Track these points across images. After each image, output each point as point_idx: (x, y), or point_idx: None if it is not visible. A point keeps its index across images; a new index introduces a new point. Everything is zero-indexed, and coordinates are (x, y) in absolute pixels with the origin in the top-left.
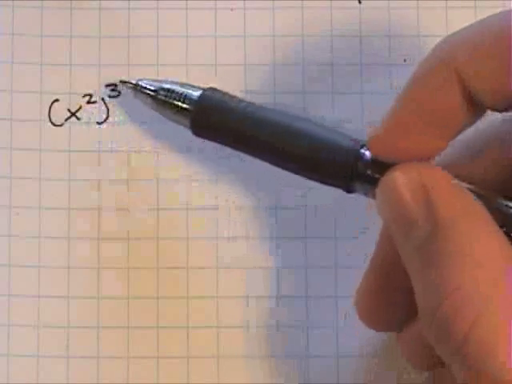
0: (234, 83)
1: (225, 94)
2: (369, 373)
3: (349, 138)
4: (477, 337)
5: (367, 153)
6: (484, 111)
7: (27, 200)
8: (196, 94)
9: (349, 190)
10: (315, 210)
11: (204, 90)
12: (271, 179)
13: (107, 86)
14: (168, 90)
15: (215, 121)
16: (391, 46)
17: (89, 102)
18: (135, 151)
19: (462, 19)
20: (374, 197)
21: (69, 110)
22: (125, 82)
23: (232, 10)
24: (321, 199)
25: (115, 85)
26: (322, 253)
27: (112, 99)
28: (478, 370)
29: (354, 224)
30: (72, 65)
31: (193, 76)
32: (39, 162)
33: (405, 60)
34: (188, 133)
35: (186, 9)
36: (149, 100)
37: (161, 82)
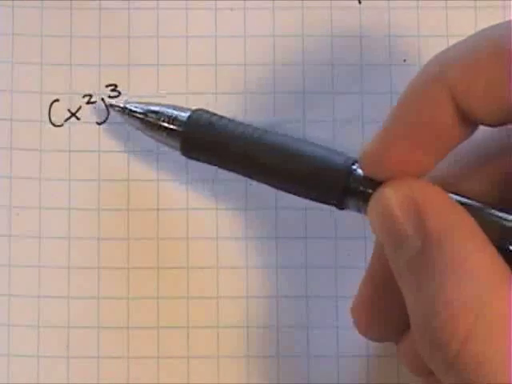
0: (234, 83)
1: (214, 114)
2: (369, 373)
3: (340, 154)
4: (470, 350)
5: (359, 169)
6: (476, 126)
7: (27, 200)
8: (185, 115)
9: (341, 207)
10: (315, 210)
11: (192, 111)
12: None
13: (107, 86)
14: (157, 112)
15: (205, 142)
16: (391, 45)
17: (89, 103)
18: (135, 151)
19: (461, 19)
20: (366, 213)
21: (69, 111)
22: (112, 106)
23: (232, 9)
24: None
25: (115, 85)
26: (322, 253)
27: (112, 99)
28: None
29: (354, 224)
30: (72, 65)
31: (193, 76)
32: (39, 163)
33: (405, 60)
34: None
35: (186, 9)
36: (137, 123)
37: (149, 104)
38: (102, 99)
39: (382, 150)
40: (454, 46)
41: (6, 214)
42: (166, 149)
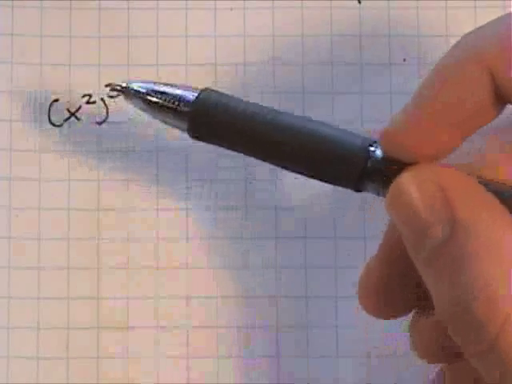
0: (234, 83)
1: (222, 94)
2: (369, 373)
3: (358, 135)
4: (509, 334)
5: (378, 151)
6: (504, 106)
7: (27, 201)
8: (192, 95)
9: (358, 189)
10: (315, 210)
11: (200, 90)
12: (271, 180)
13: (107, 85)
14: (161, 92)
15: (215, 122)
16: (391, 45)
17: (88, 102)
18: (135, 151)
19: (461, 19)
20: (384, 195)
21: (68, 110)
22: (113, 88)
23: (232, 9)
24: (321, 199)
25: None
26: (321, 253)
27: (112, 99)
28: (507, 372)
29: (354, 224)
30: (71, 65)
31: (193, 76)
32: (39, 163)
33: (404, 60)
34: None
35: (186, 9)
36: (141, 103)
37: (152, 83)
38: (102, 99)
39: (407, 129)
40: (490, 23)
41: (6, 215)
42: (166, 148)
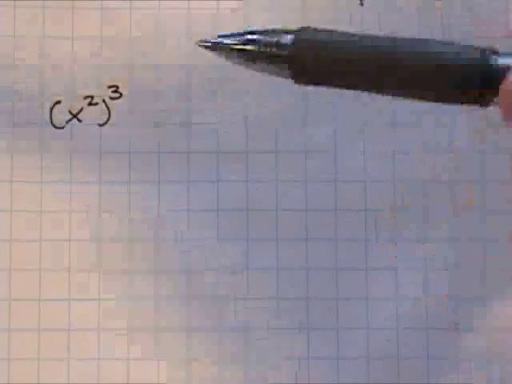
0: (234, 83)
1: (319, 31)
2: (369, 374)
3: (472, 46)
4: None
5: (499, 59)
6: None
7: (28, 203)
8: (289, 37)
9: (484, 103)
10: (316, 212)
11: (295, 30)
12: (272, 181)
13: (109, 87)
14: (256, 40)
15: (319, 62)
16: None
17: (90, 104)
18: (137, 152)
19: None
20: None
21: (70, 112)
22: (201, 44)
23: (232, 10)
24: (322, 201)
25: (117, 86)
26: (322, 254)
27: (113, 101)
28: None
29: (355, 226)
30: (73, 66)
31: (195, 76)
32: (41, 165)
33: None
34: (188, 134)
35: (188, 8)
36: (235, 56)
37: (243, 34)
38: (104, 101)
39: None
40: None
41: (7, 217)
42: (168, 150)
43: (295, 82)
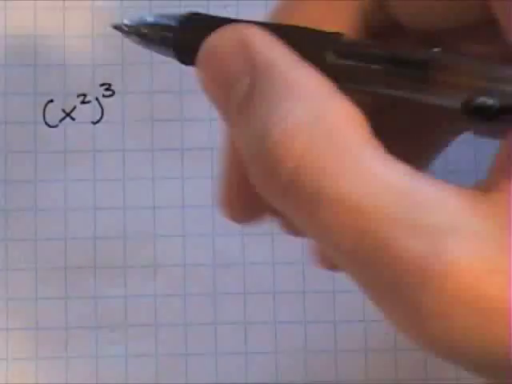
0: None
1: (207, 15)
2: (367, 367)
3: None
4: (308, 164)
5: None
6: None
7: (23, 202)
8: (174, 21)
9: None
10: None
11: (184, 15)
12: None
13: (101, 85)
14: (152, 23)
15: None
16: None
17: (83, 102)
18: (131, 150)
19: None
20: None
21: (63, 111)
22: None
23: (225, 7)
24: None
25: (109, 84)
26: None
27: (106, 98)
28: (312, 200)
29: None
30: (66, 65)
31: (187, 74)
32: (35, 164)
33: None
34: (182, 130)
35: (179, 7)
36: (136, 38)
37: (145, 15)
38: (97, 99)
39: None
40: None
41: (2, 216)
42: (162, 147)
43: (181, 62)
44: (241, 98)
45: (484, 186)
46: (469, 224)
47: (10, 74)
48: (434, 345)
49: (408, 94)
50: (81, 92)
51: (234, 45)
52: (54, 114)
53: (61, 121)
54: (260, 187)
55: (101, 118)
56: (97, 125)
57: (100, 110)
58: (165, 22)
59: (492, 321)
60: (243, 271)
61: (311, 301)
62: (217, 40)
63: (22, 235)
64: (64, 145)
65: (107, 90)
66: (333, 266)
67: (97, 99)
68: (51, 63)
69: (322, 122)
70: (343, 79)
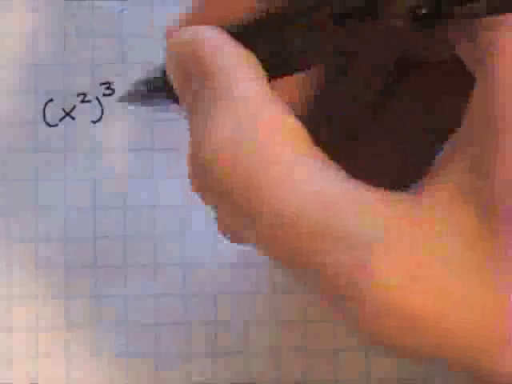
0: None
1: None
2: (368, 366)
3: None
4: (234, 179)
5: None
6: None
7: (24, 202)
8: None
9: None
10: None
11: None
12: None
13: (101, 84)
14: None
15: None
16: None
17: (83, 101)
18: (131, 149)
19: None
20: None
21: (63, 110)
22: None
23: None
24: None
25: (109, 83)
26: None
27: (106, 97)
28: (244, 214)
29: None
30: (65, 64)
31: None
32: (35, 163)
33: None
34: (183, 132)
35: (180, 6)
36: (139, 104)
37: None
38: (97, 98)
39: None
40: None
41: (3, 216)
42: (162, 146)
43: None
44: (194, 94)
45: (416, 189)
46: (393, 232)
47: (10, 73)
48: (373, 344)
49: (364, 35)
50: (81, 91)
51: (187, 47)
52: (54, 113)
53: (61, 120)
54: (195, 189)
55: (101, 117)
56: (97, 124)
57: (100, 109)
58: (152, 74)
59: (413, 328)
60: (243, 271)
61: (312, 301)
62: (177, 37)
63: (22, 235)
64: (64, 144)
65: (107, 89)
66: (241, 240)
67: (97, 98)
68: (51, 63)
69: (249, 135)
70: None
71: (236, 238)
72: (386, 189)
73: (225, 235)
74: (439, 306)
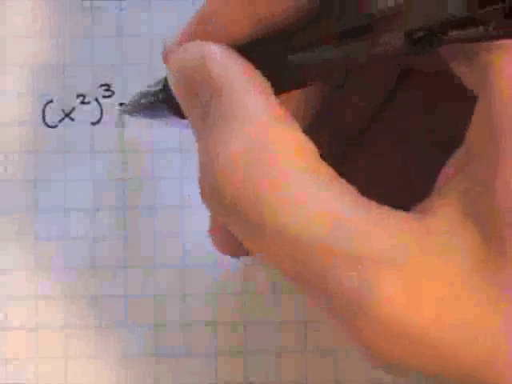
0: None
1: None
2: (368, 366)
3: None
4: (245, 195)
5: None
6: None
7: (23, 203)
8: (160, 84)
9: None
10: None
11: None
12: None
13: (101, 86)
14: (142, 95)
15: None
16: None
17: (83, 103)
18: (130, 151)
19: None
20: None
21: (63, 111)
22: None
23: None
24: None
25: (109, 85)
26: None
27: (106, 99)
28: (254, 229)
29: None
30: (65, 65)
31: None
32: (34, 165)
33: None
34: (182, 132)
35: (178, 6)
36: (140, 115)
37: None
38: (96, 99)
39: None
40: None
41: (4, 216)
42: (162, 148)
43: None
44: (200, 112)
45: (421, 208)
46: (399, 252)
47: (10, 74)
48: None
49: (362, 53)
50: (80, 92)
51: (195, 61)
52: (53, 114)
53: (60, 121)
54: (207, 203)
55: (100, 118)
56: (96, 125)
57: (99, 110)
58: (151, 88)
59: (418, 348)
60: (243, 271)
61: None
62: (182, 53)
63: (21, 235)
64: (63, 145)
65: (107, 90)
66: (233, 254)
67: (96, 100)
68: (51, 64)
69: (258, 151)
70: (310, 71)
71: (239, 251)
72: (391, 206)
73: (217, 247)
74: (444, 327)
